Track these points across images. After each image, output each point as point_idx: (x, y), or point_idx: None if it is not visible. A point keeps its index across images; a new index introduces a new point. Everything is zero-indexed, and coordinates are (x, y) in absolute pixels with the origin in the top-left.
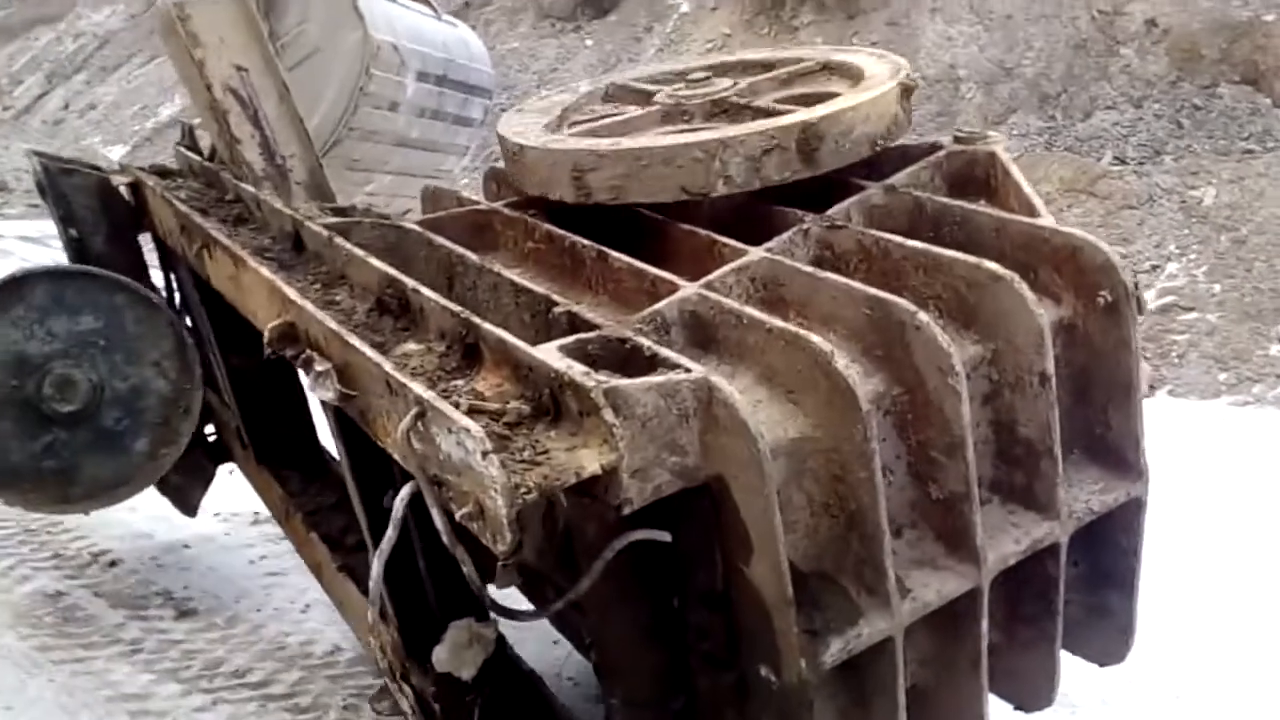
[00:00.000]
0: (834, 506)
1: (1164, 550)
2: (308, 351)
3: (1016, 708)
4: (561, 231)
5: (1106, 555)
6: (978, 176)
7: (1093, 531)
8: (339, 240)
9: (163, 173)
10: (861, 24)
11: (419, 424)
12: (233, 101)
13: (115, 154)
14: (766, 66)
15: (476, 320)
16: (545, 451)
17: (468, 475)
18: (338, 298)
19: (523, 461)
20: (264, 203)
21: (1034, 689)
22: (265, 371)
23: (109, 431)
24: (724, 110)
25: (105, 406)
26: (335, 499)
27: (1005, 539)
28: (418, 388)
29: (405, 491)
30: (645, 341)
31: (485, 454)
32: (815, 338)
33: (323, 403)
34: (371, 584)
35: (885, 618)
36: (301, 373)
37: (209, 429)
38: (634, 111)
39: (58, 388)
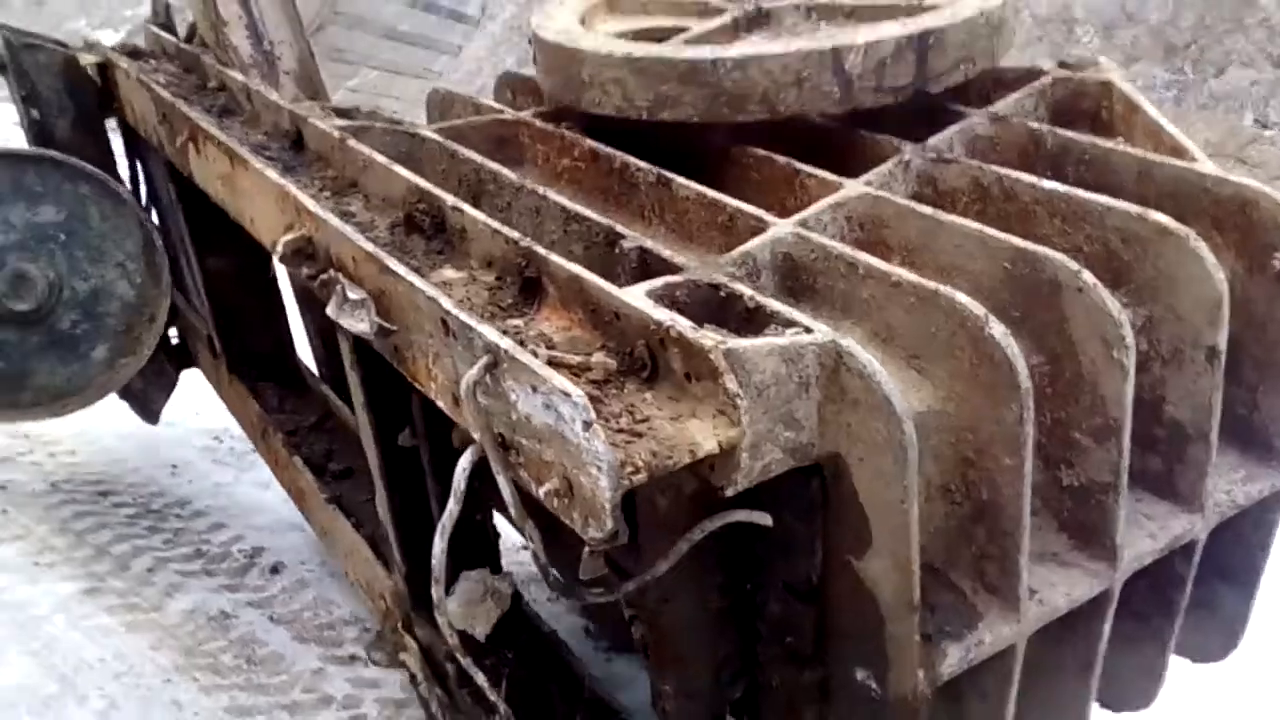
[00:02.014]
0: (957, 492)
1: None
2: (331, 273)
3: (1104, 707)
4: (610, 150)
5: (1229, 548)
6: (1087, 110)
7: (1223, 523)
8: (354, 144)
9: (133, 53)
10: None
11: (487, 376)
12: None
13: (106, 40)
14: None
15: (541, 250)
16: (645, 420)
17: (555, 444)
18: (352, 209)
19: (621, 431)
20: (256, 94)
21: (1133, 690)
22: (243, 277)
23: (65, 335)
24: (815, 15)
25: (63, 308)
26: (315, 418)
27: (1139, 534)
28: (489, 332)
29: (467, 460)
30: (746, 290)
31: (588, 424)
32: (963, 297)
33: (340, 330)
34: (435, 559)
35: (1010, 623)
36: (322, 295)
37: (171, 332)
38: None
39: (11, 284)
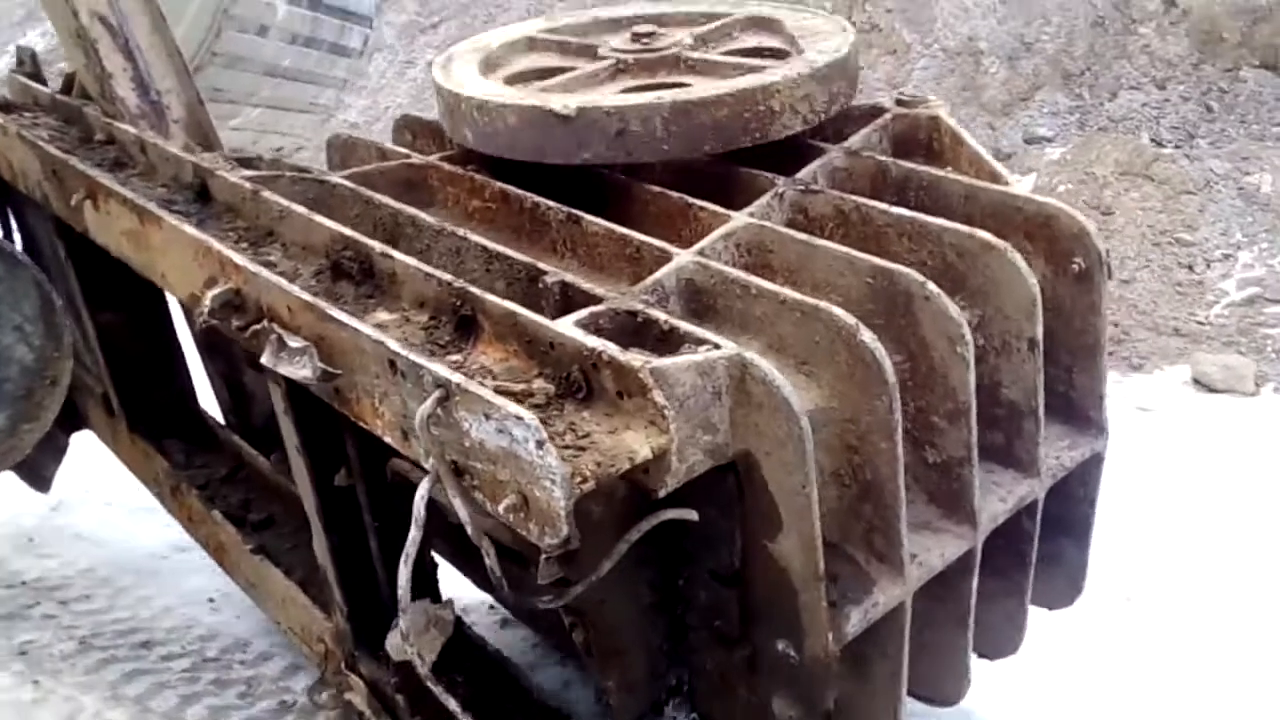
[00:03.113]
0: (845, 476)
1: None
2: (265, 324)
3: (980, 656)
4: (519, 191)
5: (1065, 506)
6: (921, 140)
7: (1054, 484)
8: (269, 195)
9: (4, 106)
10: None
11: (439, 409)
12: (101, 30)
13: None
14: (710, 18)
15: (475, 290)
16: (586, 435)
17: (509, 464)
18: (272, 258)
19: (567, 447)
20: (151, 146)
21: (1001, 639)
22: (139, 331)
23: None
24: (687, 65)
25: None
26: (227, 470)
27: (992, 499)
28: (440, 369)
29: (424, 488)
30: (660, 315)
31: (541, 443)
32: (838, 310)
33: (275, 379)
34: (400, 588)
35: (898, 584)
36: (253, 346)
37: None
38: (583, 64)
39: None
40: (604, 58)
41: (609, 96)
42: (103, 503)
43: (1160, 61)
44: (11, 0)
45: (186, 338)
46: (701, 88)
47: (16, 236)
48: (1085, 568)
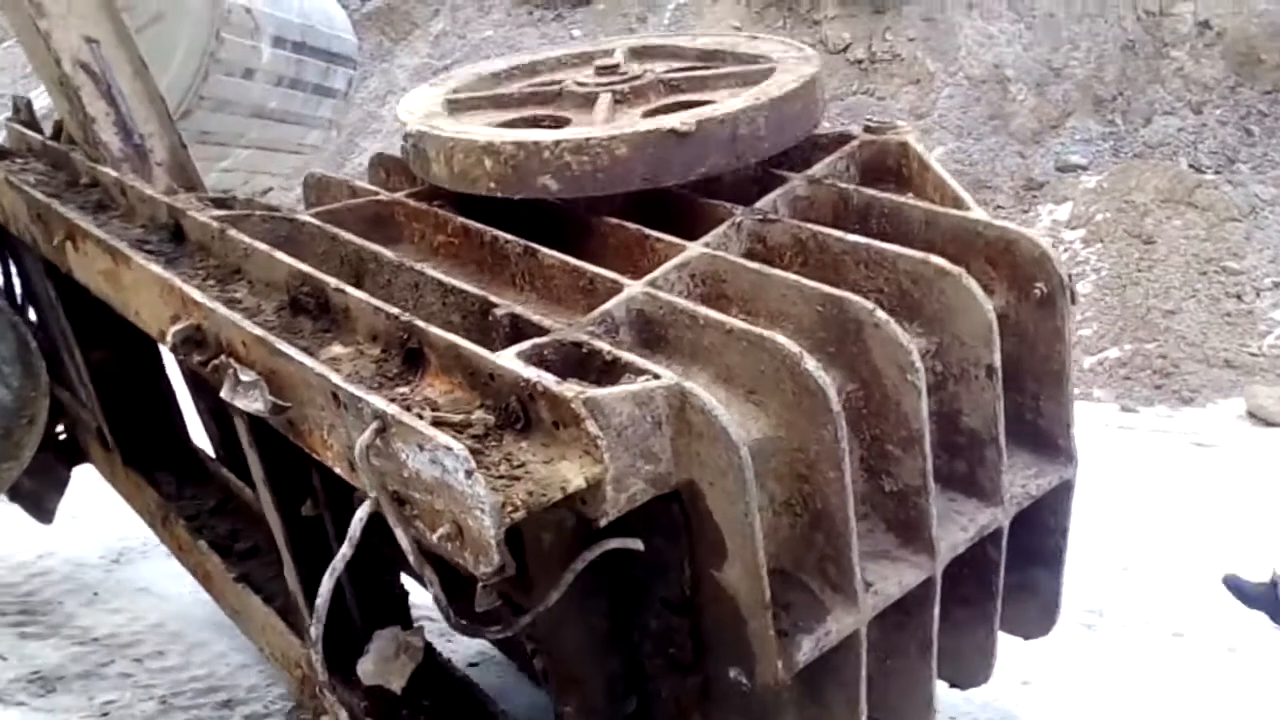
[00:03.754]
0: (796, 505)
1: None
2: (223, 358)
3: (952, 685)
4: (480, 225)
5: (1036, 536)
6: (890, 167)
7: (1024, 514)
8: (234, 233)
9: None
10: (893, 19)
11: (378, 439)
12: (84, 77)
13: None
14: (676, 54)
15: (420, 324)
16: (521, 465)
17: (443, 494)
18: (238, 295)
19: (501, 477)
20: (130, 189)
21: (971, 667)
22: (130, 367)
23: None
24: (648, 97)
25: None
26: (215, 501)
27: (953, 527)
28: (377, 401)
29: (363, 511)
30: (604, 345)
31: (470, 473)
32: (782, 339)
33: (235, 411)
34: (319, 601)
35: (852, 613)
36: (214, 380)
37: (58, 428)
38: (551, 90)
39: None
40: (589, 91)
41: (645, 121)
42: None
43: (1195, 85)
44: (20, 52)
45: (176, 374)
46: (758, 90)
47: (16, 279)
48: (1059, 597)
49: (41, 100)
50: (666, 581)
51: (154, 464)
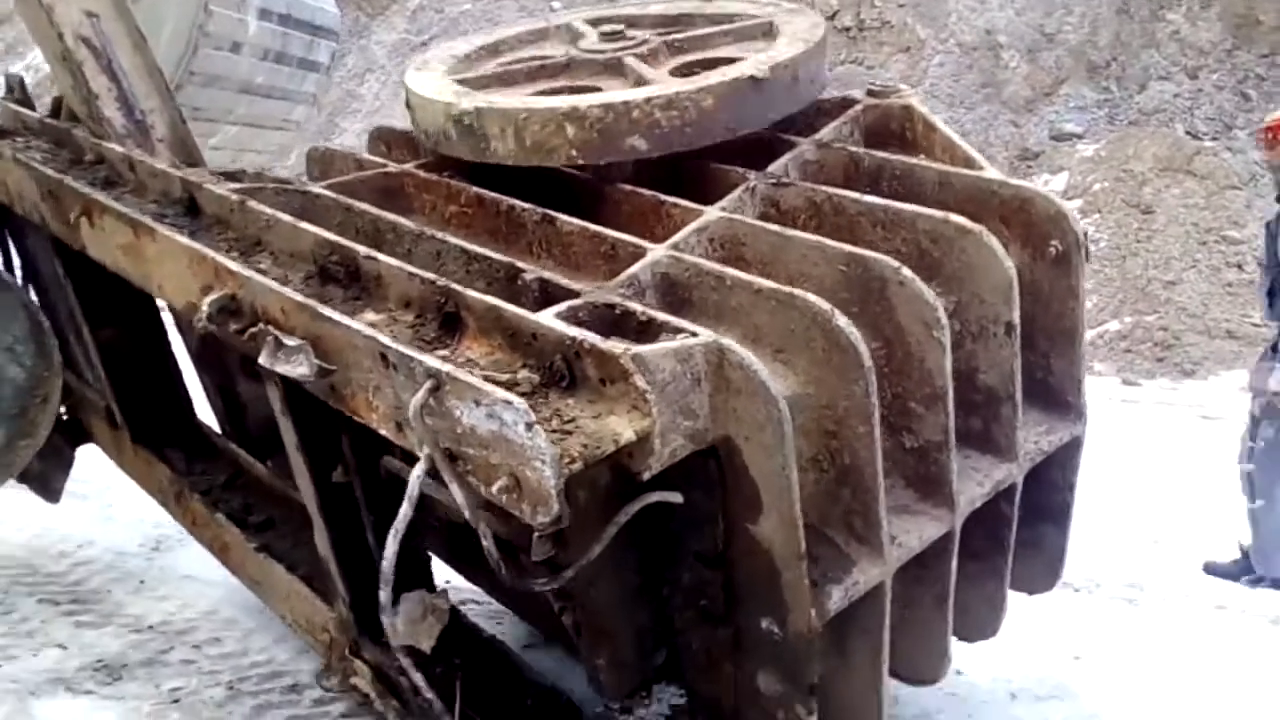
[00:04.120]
0: (824, 461)
1: None
2: (261, 326)
3: (960, 639)
4: (495, 194)
5: (1044, 492)
6: (894, 130)
7: (1033, 470)
8: (255, 204)
9: None
10: None
11: (432, 398)
12: (86, 51)
13: None
14: (633, 23)
15: (458, 288)
16: (572, 420)
17: (500, 448)
18: (262, 266)
19: (554, 431)
20: (140, 164)
21: (981, 621)
22: (139, 345)
23: None
24: (660, 59)
25: None
26: (226, 477)
27: (970, 483)
28: (431, 360)
29: (420, 469)
30: (637, 306)
31: (530, 425)
32: (813, 297)
33: (273, 378)
34: (385, 563)
35: (878, 564)
36: (249, 348)
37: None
38: (558, 62)
39: None
40: (608, 58)
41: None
42: None
43: (1191, 49)
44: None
45: (181, 351)
46: (788, 39)
47: (16, 259)
48: (1065, 553)
49: (30, 78)
50: (700, 536)
51: (164, 441)
